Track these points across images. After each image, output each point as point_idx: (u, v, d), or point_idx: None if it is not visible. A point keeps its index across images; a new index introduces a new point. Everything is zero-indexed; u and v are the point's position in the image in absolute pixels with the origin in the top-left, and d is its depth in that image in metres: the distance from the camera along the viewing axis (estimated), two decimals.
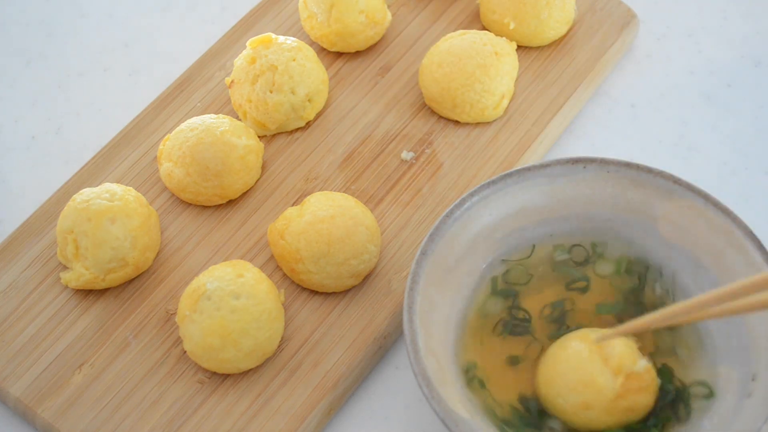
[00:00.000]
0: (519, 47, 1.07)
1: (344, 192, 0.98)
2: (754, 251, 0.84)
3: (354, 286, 0.93)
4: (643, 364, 0.82)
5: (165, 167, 0.97)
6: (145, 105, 1.06)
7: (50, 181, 1.03)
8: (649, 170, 0.88)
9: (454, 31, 1.08)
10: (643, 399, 0.81)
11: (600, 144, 1.05)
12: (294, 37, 1.06)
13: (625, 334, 0.83)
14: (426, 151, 1.01)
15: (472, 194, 0.87)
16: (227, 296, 0.86)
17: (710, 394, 0.82)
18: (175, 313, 0.92)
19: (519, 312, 0.88)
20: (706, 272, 0.87)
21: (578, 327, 0.86)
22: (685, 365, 0.85)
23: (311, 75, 1.01)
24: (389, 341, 0.92)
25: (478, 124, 1.02)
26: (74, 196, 0.93)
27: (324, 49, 1.07)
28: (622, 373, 0.81)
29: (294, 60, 1.00)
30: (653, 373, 0.83)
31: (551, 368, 0.83)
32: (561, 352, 0.83)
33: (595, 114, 1.07)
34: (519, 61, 1.06)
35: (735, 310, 0.74)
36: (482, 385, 0.84)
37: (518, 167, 0.89)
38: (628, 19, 1.09)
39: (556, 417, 0.83)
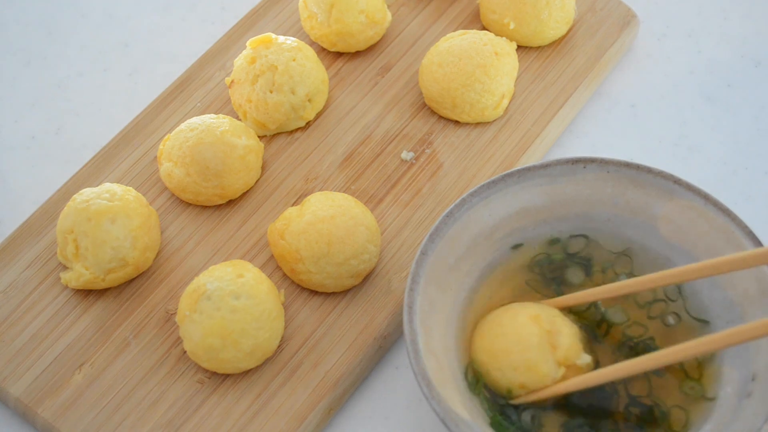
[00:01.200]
0: (519, 47, 1.07)
1: (344, 192, 0.98)
2: None
3: (354, 286, 0.93)
4: (586, 360, 0.83)
5: (165, 167, 0.97)
6: (145, 105, 1.06)
7: (50, 181, 1.03)
8: (649, 170, 0.88)
9: (454, 31, 1.08)
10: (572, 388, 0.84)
11: (600, 144, 1.06)
12: (294, 37, 1.06)
13: (570, 304, 0.86)
14: (426, 151, 1.01)
15: (472, 194, 0.87)
16: (227, 296, 0.86)
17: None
18: (175, 313, 0.92)
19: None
20: None
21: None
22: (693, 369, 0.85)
23: (311, 75, 1.01)
24: (389, 341, 0.92)
25: (478, 124, 1.02)
26: (74, 196, 0.93)
27: (324, 49, 1.07)
28: (565, 365, 0.82)
29: (294, 60, 1.00)
30: (592, 368, 0.84)
31: (495, 340, 0.84)
32: (510, 327, 0.84)
33: (595, 114, 1.07)
34: (519, 61, 1.06)
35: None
36: (481, 384, 0.85)
37: (518, 167, 0.89)
38: (628, 19, 1.09)
39: (487, 384, 0.84)
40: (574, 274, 0.89)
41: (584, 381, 0.82)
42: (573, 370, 0.83)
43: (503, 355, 0.83)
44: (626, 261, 0.89)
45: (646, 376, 0.85)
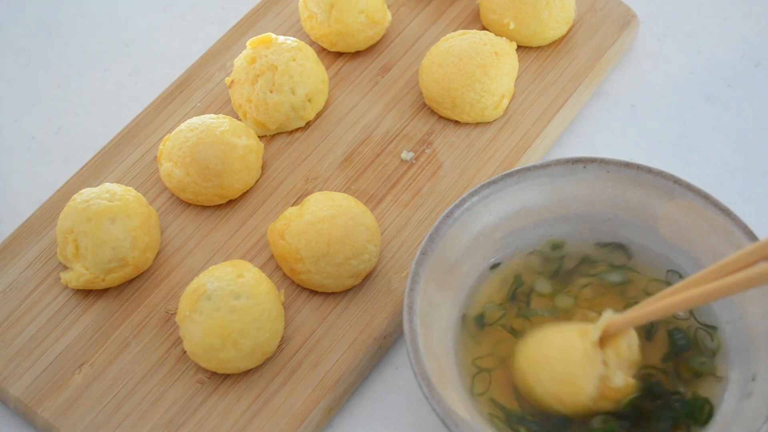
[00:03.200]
0: (519, 47, 1.07)
1: (344, 192, 0.98)
2: None
3: (354, 286, 0.93)
4: (619, 382, 0.81)
5: (165, 167, 0.97)
6: (145, 105, 1.06)
7: (50, 181, 1.03)
8: (649, 170, 0.88)
9: (454, 31, 1.08)
10: (609, 407, 0.82)
11: (600, 144, 1.06)
12: (294, 37, 1.06)
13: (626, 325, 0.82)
14: (426, 151, 1.01)
15: (472, 194, 0.87)
16: (227, 296, 0.86)
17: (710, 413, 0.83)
18: (175, 313, 0.92)
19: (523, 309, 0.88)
20: None
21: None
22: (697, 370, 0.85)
23: (311, 75, 1.01)
24: (389, 341, 0.92)
25: (478, 124, 1.02)
26: (74, 196, 0.93)
27: (324, 49, 1.07)
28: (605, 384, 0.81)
29: (294, 60, 1.00)
30: (631, 389, 0.82)
31: (540, 350, 0.83)
32: (557, 338, 0.83)
33: (595, 114, 1.07)
34: (519, 61, 1.06)
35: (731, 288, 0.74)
36: (484, 385, 0.85)
37: (518, 167, 0.89)
38: (628, 19, 1.09)
39: (521, 392, 0.83)
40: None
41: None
42: (611, 390, 0.81)
43: (546, 365, 0.81)
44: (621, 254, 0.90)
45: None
